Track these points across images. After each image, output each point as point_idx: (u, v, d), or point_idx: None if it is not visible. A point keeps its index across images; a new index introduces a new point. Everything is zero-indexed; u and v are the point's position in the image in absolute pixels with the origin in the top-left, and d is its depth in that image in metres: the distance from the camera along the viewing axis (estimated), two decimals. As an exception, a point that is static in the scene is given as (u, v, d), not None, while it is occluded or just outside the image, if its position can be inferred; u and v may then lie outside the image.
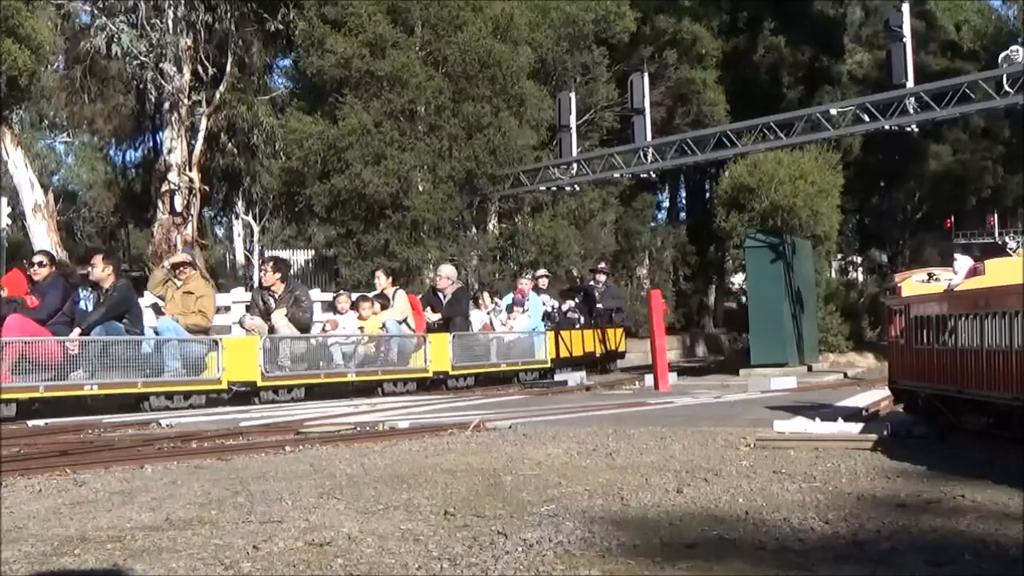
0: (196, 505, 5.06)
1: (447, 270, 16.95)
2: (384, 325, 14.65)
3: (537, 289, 18.74)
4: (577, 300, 19.38)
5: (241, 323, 14.01)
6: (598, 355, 19.10)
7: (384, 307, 14.86)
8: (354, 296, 15.33)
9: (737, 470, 5.84)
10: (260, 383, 12.52)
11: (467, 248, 22.36)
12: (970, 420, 6.99)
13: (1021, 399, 5.64)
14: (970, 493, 4.87)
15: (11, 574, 3.73)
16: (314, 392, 13.08)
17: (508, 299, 18.12)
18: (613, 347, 19.85)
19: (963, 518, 4.37)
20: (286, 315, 13.32)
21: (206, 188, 24.99)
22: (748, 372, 17.92)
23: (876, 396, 9.95)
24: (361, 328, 14.51)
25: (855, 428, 7.29)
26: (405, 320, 14.98)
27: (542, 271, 20.26)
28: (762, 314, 18.98)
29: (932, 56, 33.71)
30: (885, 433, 6.95)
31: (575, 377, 16.96)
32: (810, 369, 19.54)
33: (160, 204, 23.83)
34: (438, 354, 14.93)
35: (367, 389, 13.94)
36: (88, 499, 5.34)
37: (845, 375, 18.49)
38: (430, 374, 14.76)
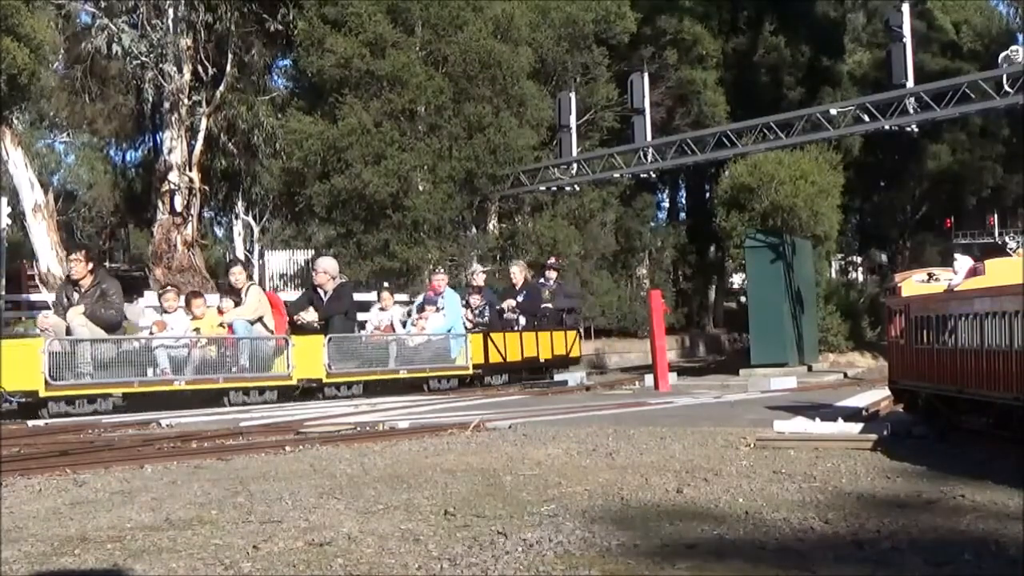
0: (196, 505, 5.06)
1: (325, 264, 15.00)
2: (226, 325, 12.79)
3: (470, 287, 17.06)
4: (519, 299, 17.28)
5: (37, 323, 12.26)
6: (542, 360, 17.05)
7: (238, 305, 13.07)
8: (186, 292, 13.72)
9: (737, 470, 5.84)
10: (43, 392, 10.84)
11: (467, 248, 22.37)
12: (970, 420, 6.99)
13: (1021, 399, 5.64)
14: (970, 493, 4.87)
15: (11, 574, 3.73)
16: (138, 401, 11.48)
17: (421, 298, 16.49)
18: (564, 351, 17.70)
19: (963, 518, 4.37)
20: (84, 312, 11.56)
21: (206, 188, 25.01)
22: (748, 372, 17.94)
23: (876, 396, 9.95)
24: (197, 329, 12.62)
25: (855, 428, 7.28)
26: (261, 320, 13.08)
27: (477, 266, 18.57)
28: (762, 314, 19.00)
29: (932, 56, 33.74)
30: (885, 433, 6.94)
31: (575, 377, 16.97)
32: (810, 369, 19.55)
33: (160, 204, 23.85)
34: (308, 359, 13.04)
35: (210, 398, 12.17)
36: (88, 499, 5.34)
37: (845, 375, 18.50)
38: (294, 381, 12.86)
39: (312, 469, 6.30)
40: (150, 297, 16.84)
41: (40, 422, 10.18)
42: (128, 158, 34.75)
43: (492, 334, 15.90)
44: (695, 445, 6.98)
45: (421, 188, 21.71)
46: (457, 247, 22.28)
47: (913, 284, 7.79)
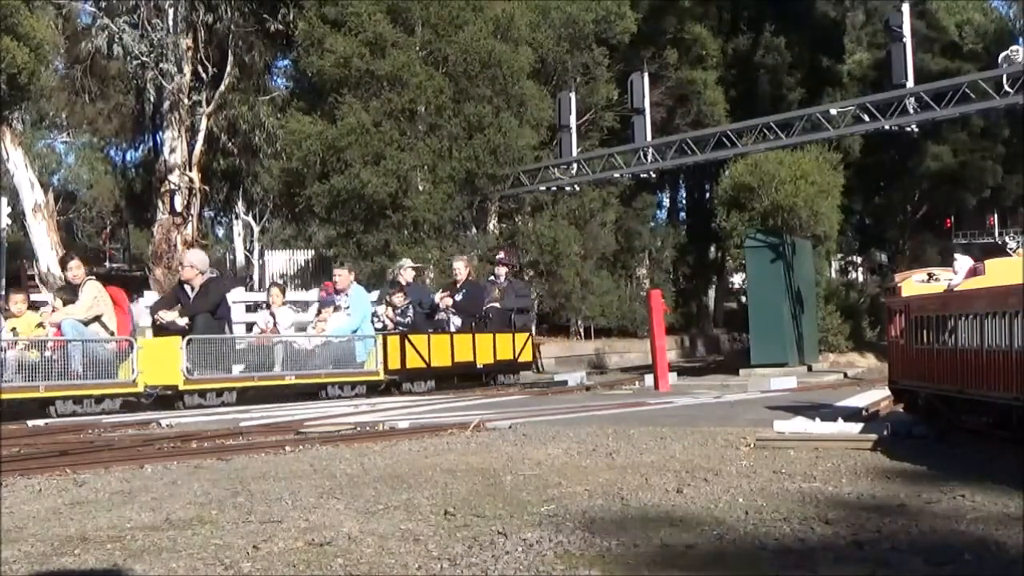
0: (196, 505, 5.06)
1: (192, 257, 13.52)
2: (49, 325, 11.55)
3: (395, 283, 15.66)
4: (458, 298, 15.86)
5: None
6: (481, 365, 15.64)
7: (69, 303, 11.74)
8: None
9: (737, 470, 5.84)
10: (182, 387, 11.09)
11: (467, 248, 22.35)
12: (970, 420, 6.99)
13: (1021, 399, 5.64)
14: (970, 493, 4.86)
15: (11, 574, 3.73)
16: None
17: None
18: (511, 356, 16.20)
19: (963, 518, 4.37)
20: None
21: (206, 188, 25.03)
22: (748, 372, 17.94)
23: (876, 396, 9.95)
24: (13, 330, 11.32)
25: (855, 428, 7.28)
26: (98, 319, 11.74)
27: (406, 261, 17.04)
28: (762, 314, 19.00)
29: (932, 56, 33.74)
30: (885, 433, 6.94)
31: (575, 377, 16.95)
32: (810, 369, 19.56)
33: (160, 204, 23.87)
34: (160, 363, 11.73)
35: (33, 408, 10.89)
36: (88, 499, 5.34)
37: (845, 375, 18.50)
38: (139, 388, 11.54)
39: (312, 469, 6.30)
40: (150, 297, 16.86)
41: (40, 422, 10.17)
42: (128, 158, 34.82)
43: (412, 336, 14.53)
44: (695, 445, 6.98)
45: (421, 188, 21.71)
46: (457, 247, 22.26)
47: (913, 284, 7.79)
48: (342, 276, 14.70)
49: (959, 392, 6.60)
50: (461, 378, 15.54)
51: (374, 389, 13.94)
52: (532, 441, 7.44)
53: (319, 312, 14.65)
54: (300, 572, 3.65)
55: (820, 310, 23.28)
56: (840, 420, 7.59)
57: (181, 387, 11.82)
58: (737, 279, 34.98)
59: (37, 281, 21.14)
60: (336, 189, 21.34)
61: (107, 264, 37.86)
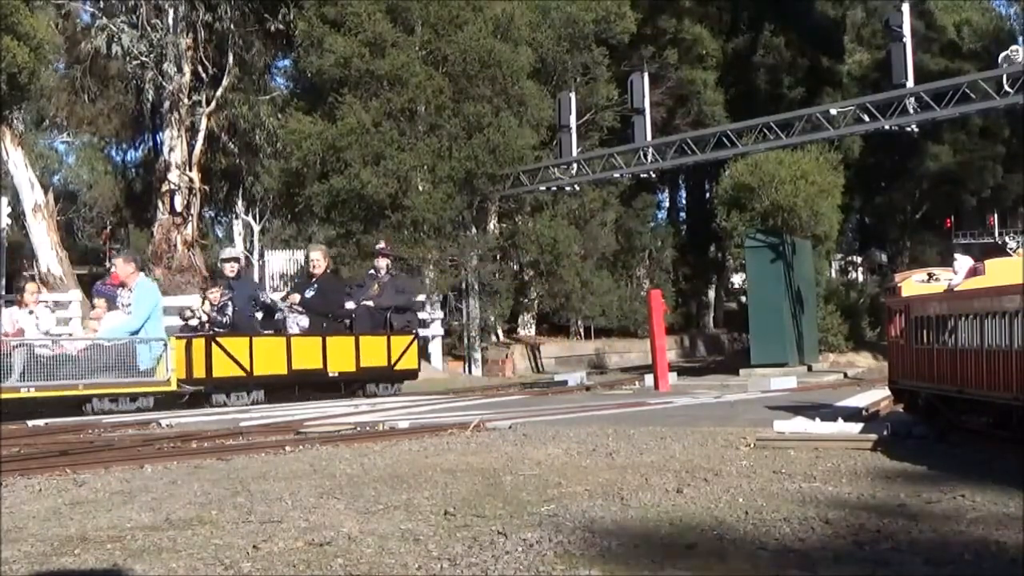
0: (196, 505, 5.06)
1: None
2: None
3: (215, 277, 13.63)
4: (309, 294, 13.83)
5: None
6: (336, 373, 13.51)
7: None
8: None
9: (737, 470, 5.84)
10: None
11: (467, 248, 22.35)
12: (970, 420, 7.00)
13: (1021, 399, 5.64)
14: (970, 493, 4.87)
15: (11, 574, 3.73)
16: None
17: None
18: (385, 362, 14.04)
19: (963, 518, 4.37)
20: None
21: (206, 188, 25.02)
22: (748, 372, 17.95)
23: (876, 396, 9.95)
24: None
25: (855, 428, 7.29)
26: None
27: (230, 250, 14.90)
28: (762, 314, 19.02)
29: (932, 56, 33.73)
30: (885, 433, 6.94)
31: (575, 377, 16.95)
32: (810, 369, 19.57)
33: (160, 204, 23.87)
34: None
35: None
36: (88, 499, 5.34)
37: (845, 375, 18.51)
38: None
39: (312, 469, 6.30)
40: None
41: (40, 422, 10.17)
42: (128, 158, 34.84)
43: (224, 339, 12.40)
44: (695, 445, 6.98)
45: (420, 188, 21.70)
46: (457, 247, 22.26)
47: (913, 284, 7.79)
48: (120, 267, 12.46)
49: (959, 392, 6.60)
50: (318, 388, 13.45)
51: (172, 402, 11.94)
52: (532, 441, 7.44)
53: (93, 307, 12.49)
54: (300, 572, 3.65)
55: (820, 310, 23.30)
56: (840, 420, 7.59)
57: None
58: (737, 279, 35.01)
59: (37, 281, 21.13)
60: (336, 189, 21.34)
61: (107, 264, 37.82)
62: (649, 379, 14.96)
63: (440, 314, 21.52)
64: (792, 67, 33.36)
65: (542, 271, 24.27)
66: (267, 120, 24.48)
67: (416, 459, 6.68)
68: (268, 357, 12.76)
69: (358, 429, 8.70)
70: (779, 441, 6.94)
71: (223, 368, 12.29)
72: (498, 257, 23.90)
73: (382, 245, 15.62)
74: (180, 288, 20.94)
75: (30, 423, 10.06)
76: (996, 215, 43.83)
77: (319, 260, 14.19)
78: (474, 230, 23.40)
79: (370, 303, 14.15)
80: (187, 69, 23.17)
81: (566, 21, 24.55)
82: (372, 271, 14.98)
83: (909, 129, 18.14)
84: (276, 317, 13.39)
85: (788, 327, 19.37)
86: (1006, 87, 16.64)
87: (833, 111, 18.86)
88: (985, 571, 3.53)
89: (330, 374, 13.42)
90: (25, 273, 22.84)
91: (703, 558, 3.73)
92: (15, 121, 21.22)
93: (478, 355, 22.57)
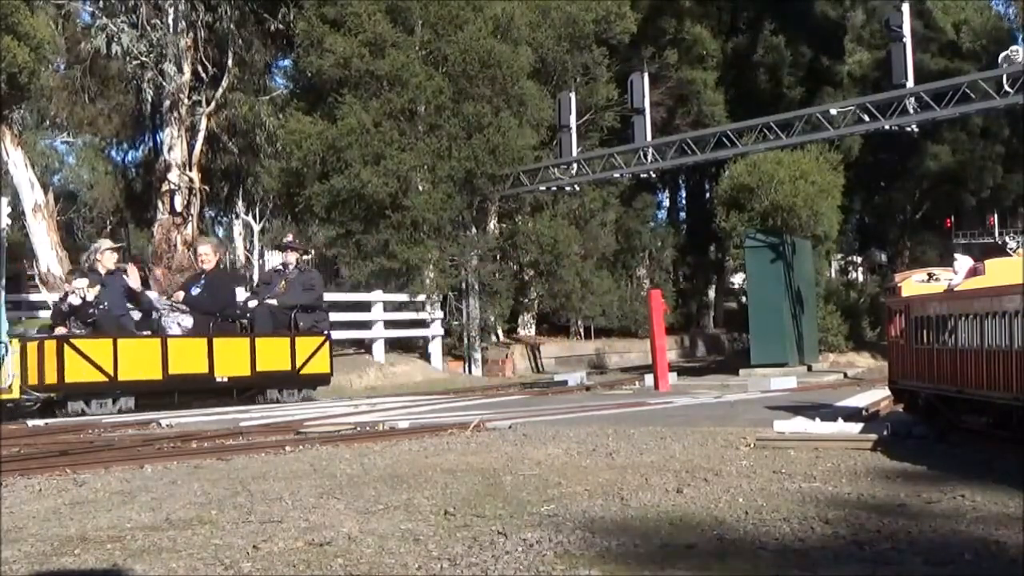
0: (196, 505, 5.06)
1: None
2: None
3: (93, 270, 12.25)
4: (195, 292, 12.80)
5: None
6: (226, 378, 12.40)
7: None
8: None
9: (737, 470, 5.84)
10: None
11: (467, 248, 22.34)
12: (970, 420, 7.00)
13: (1021, 399, 5.64)
14: (970, 493, 4.87)
15: (11, 574, 3.73)
16: None
17: None
18: (289, 366, 12.95)
19: (963, 518, 4.37)
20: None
21: (206, 188, 25.00)
22: (748, 372, 17.96)
23: (876, 396, 9.95)
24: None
25: (855, 428, 7.29)
26: None
27: (104, 242, 13.32)
28: (762, 314, 19.02)
29: (932, 56, 33.73)
30: (885, 433, 6.95)
31: (575, 377, 16.95)
32: (810, 369, 19.57)
33: (160, 204, 23.85)
34: None
35: None
36: (88, 499, 5.34)
37: (845, 375, 18.52)
38: None
39: (312, 469, 6.30)
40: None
41: (40, 422, 10.17)
42: (128, 158, 34.81)
43: (81, 341, 11.35)
44: (695, 445, 6.99)
45: (420, 188, 21.69)
46: (457, 247, 22.25)
47: (913, 284, 7.79)
48: None
49: (959, 392, 6.60)
50: (204, 395, 12.44)
51: (18, 411, 10.93)
52: (532, 441, 7.44)
53: None
54: (300, 572, 3.65)
55: (820, 310, 23.30)
56: (840, 420, 7.59)
57: None
58: (737, 279, 34.98)
59: (37, 281, 21.11)
60: (336, 189, 21.33)
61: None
62: (649, 379, 14.96)
63: (440, 314, 21.53)
64: (792, 67, 33.36)
65: (542, 271, 24.25)
66: (267, 120, 24.45)
67: (416, 459, 6.68)
68: (137, 360, 11.62)
69: (358, 429, 8.71)
70: (779, 441, 6.94)
71: (79, 373, 11.18)
72: (498, 257, 23.88)
73: (290, 238, 14.86)
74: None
75: (30, 423, 10.06)
76: (996, 215, 43.82)
77: (208, 255, 13.29)
78: (474, 230, 23.38)
79: (274, 301, 13.19)
80: (187, 69, 23.14)
81: (566, 21, 24.54)
82: (280, 266, 14.02)
83: (909, 129, 18.13)
84: (152, 316, 12.30)
85: (788, 327, 19.38)
86: (1006, 87, 16.63)
87: (833, 111, 18.85)
88: (985, 571, 3.53)
89: (218, 379, 12.29)
90: (29, 272, 22.84)
91: (703, 558, 3.73)
92: (15, 121, 21.19)
93: (478, 355, 22.57)
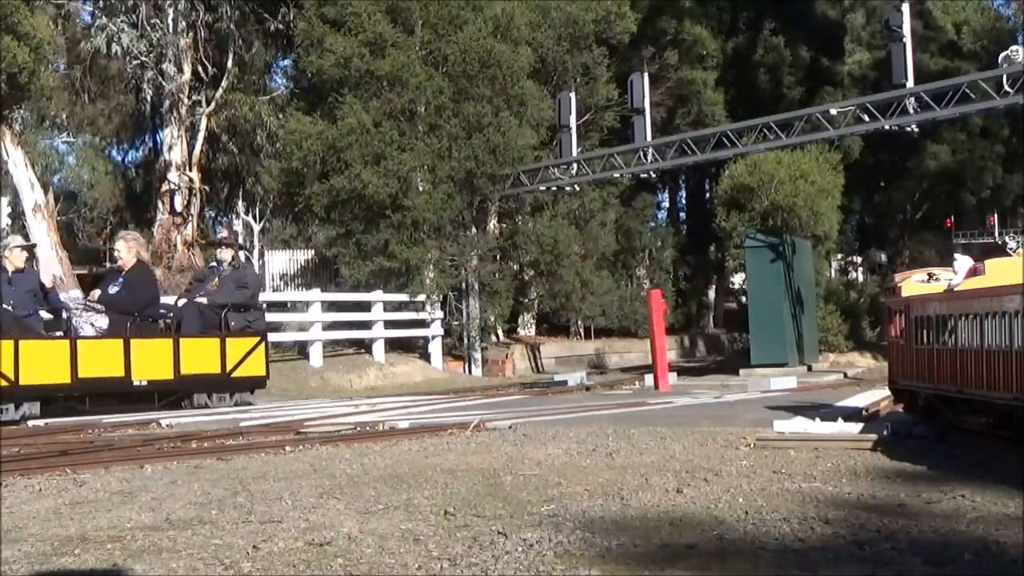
0: (196, 505, 5.06)
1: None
2: None
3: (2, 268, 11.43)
4: (112, 290, 11.91)
5: None
6: (145, 381, 11.49)
7: None
8: None
9: (737, 470, 5.84)
10: None
11: (467, 248, 22.34)
12: (970, 420, 7.00)
13: (1021, 399, 5.64)
14: (970, 493, 4.87)
15: (11, 574, 3.73)
16: None
17: None
18: (219, 368, 12.09)
19: (963, 518, 4.37)
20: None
21: (206, 188, 25.01)
22: (748, 372, 17.95)
23: (876, 396, 9.95)
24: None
25: (855, 428, 7.29)
26: None
27: (15, 238, 12.91)
28: (762, 314, 19.02)
29: (932, 56, 33.74)
30: (885, 433, 6.95)
31: (575, 377, 16.95)
32: (810, 369, 19.57)
33: (160, 204, 23.86)
34: None
35: None
36: (88, 499, 5.34)
37: (845, 375, 18.52)
38: None
39: (312, 469, 6.30)
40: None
41: (40, 422, 10.17)
42: (128, 158, 34.84)
43: None
44: (695, 445, 6.99)
45: (421, 188, 21.69)
46: (457, 247, 22.25)
47: (913, 284, 7.79)
48: None
49: (959, 392, 6.60)
50: (119, 399, 11.51)
51: None
52: (532, 441, 7.44)
53: None
54: (300, 572, 3.65)
55: (820, 310, 23.29)
56: (840, 420, 7.59)
57: None
58: (737, 279, 34.97)
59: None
60: (336, 189, 21.33)
61: (107, 264, 37.83)
62: (649, 379, 14.96)
63: (440, 314, 21.53)
64: (792, 67, 33.36)
65: (542, 271, 24.25)
66: (267, 120, 24.47)
67: (416, 459, 6.68)
68: (42, 363, 10.75)
69: (358, 429, 8.71)
70: (779, 441, 6.94)
71: None
72: (498, 257, 23.87)
73: (225, 234, 13.64)
74: (180, 288, 20.91)
75: (30, 423, 10.06)
76: (996, 215, 43.83)
77: (124, 251, 12.27)
78: (474, 230, 23.38)
79: (204, 300, 12.41)
80: (187, 69, 23.15)
81: (566, 21, 24.53)
82: (213, 263, 13.25)
83: (909, 129, 18.12)
84: (63, 316, 11.54)
85: (788, 327, 19.38)
86: (1006, 87, 16.62)
87: (833, 111, 18.85)
88: (985, 571, 3.53)
89: (135, 382, 11.41)
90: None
91: (703, 558, 3.73)
92: (15, 121, 21.19)
93: (478, 355, 22.56)
